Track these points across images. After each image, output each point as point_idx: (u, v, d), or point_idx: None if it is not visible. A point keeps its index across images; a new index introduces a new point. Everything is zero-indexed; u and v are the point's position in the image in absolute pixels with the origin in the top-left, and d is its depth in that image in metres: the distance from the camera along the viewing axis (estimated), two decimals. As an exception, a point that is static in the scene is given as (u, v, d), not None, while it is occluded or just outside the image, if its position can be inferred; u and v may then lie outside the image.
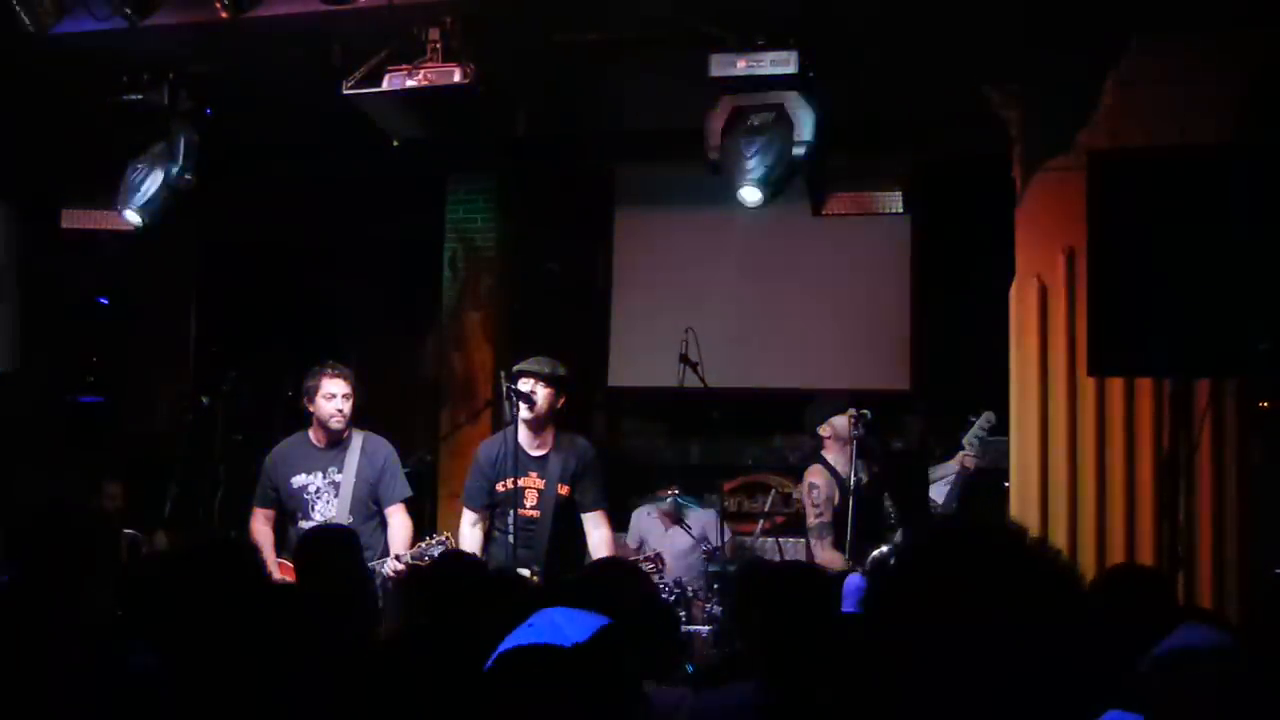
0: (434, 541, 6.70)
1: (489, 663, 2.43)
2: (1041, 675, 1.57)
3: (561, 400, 6.90)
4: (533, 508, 6.80)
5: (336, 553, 5.44)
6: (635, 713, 2.46)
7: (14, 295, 9.31)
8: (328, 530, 6.14)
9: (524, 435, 6.82)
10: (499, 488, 6.84)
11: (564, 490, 6.81)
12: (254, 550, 4.22)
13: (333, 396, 6.92)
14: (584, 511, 6.85)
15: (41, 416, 9.75)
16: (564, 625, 2.42)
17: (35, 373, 9.57)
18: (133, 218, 7.56)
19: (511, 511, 6.74)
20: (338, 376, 6.95)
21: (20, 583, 3.93)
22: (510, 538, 6.69)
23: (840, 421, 7.50)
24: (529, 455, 6.83)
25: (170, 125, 7.33)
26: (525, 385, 6.81)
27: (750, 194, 6.69)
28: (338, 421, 6.93)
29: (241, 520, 7.41)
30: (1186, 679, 2.86)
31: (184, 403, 9.14)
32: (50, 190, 8.96)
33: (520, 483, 6.78)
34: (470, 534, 6.88)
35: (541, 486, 6.81)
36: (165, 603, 3.43)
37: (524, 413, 6.77)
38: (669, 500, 8.29)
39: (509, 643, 2.41)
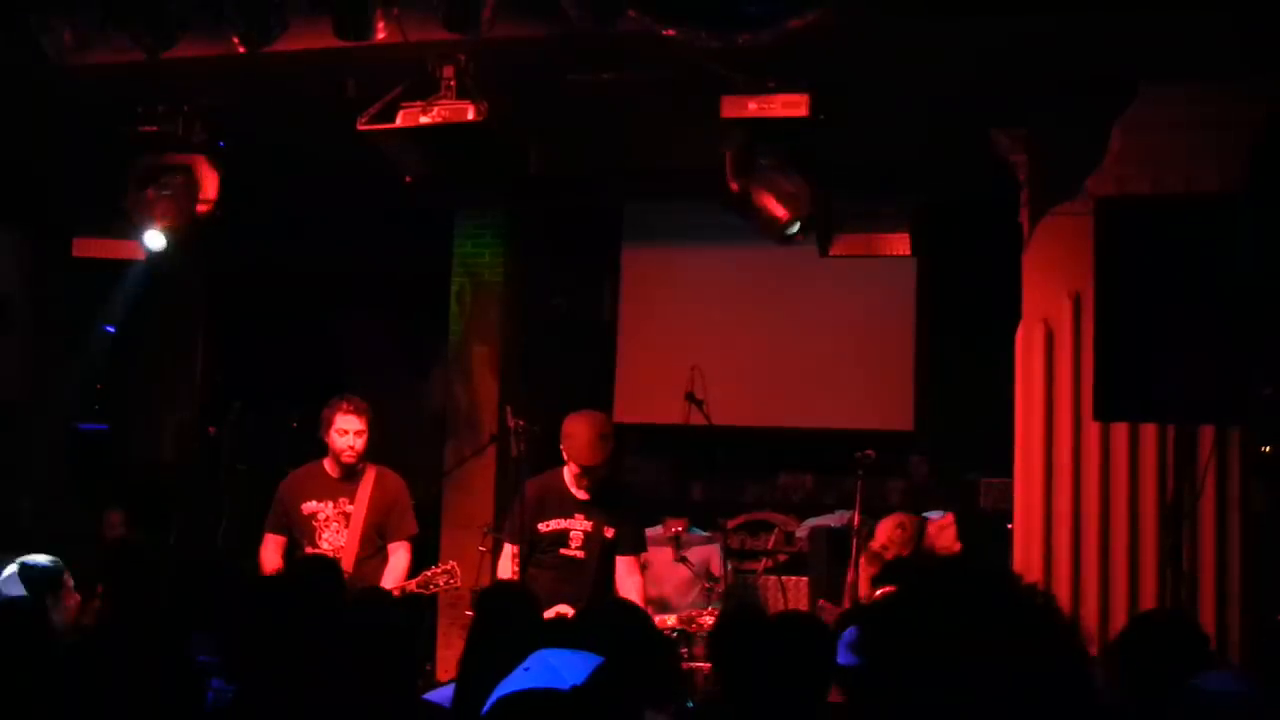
0: (439, 570, 6.84)
1: (486, 708, 2.43)
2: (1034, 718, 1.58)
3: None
4: (578, 548, 6.77)
5: (327, 584, 5.52)
6: None
7: (24, 323, 9.35)
8: (317, 562, 6.21)
9: (569, 478, 6.83)
10: (541, 528, 6.80)
11: (609, 533, 6.79)
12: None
13: (345, 433, 6.99)
14: (622, 555, 6.84)
15: (47, 444, 9.76)
16: (560, 668, 2.42)
17: (42, 400, 9.60)
18: (155, 244, 7.58)
19: (555, 548, 6.77)
20: (352, 413, 7.01)
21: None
22: (554, 573, 6.71)
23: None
24: (574, 498, 6.80)
25: (192, 157, 7.39)
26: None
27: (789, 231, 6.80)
28: (349, 456, 7.01)
29: (245, 550, 7.43)
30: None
31: (189, 432, 9.15)
32: (63, 219, 9.00)
33: (565, 524, 6.78)
34: (506, 567, 6.87)
35: (589, 529, 6.77)
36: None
37: (589, 487, 6.78)
38: (673, 536, 8.28)
39: (505, 688, 2.41)
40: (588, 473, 6.70)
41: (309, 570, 5.77)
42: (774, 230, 6.74)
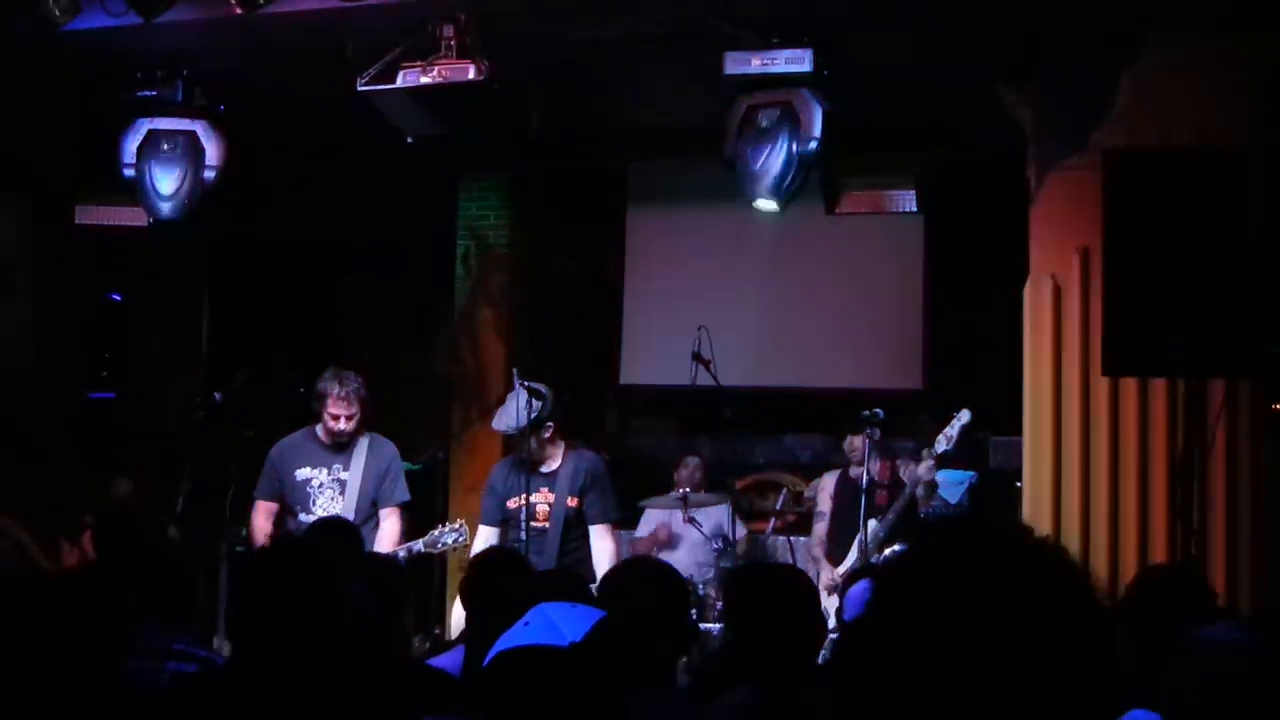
0: (447, 529, 6.89)
1: (486, 662, 2.45)
2: (1051, 674, 1.56)
3: (550, 431, 6.96)
4: (544, 520, 6.92)
5: (345, 545, 5.55)
6: (633, 708, 2.48)
7: (28, 292, 9.33)
8: (335, 523, 6.22)
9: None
10: (510, 504, 6.98)
11: (573, 502, 6.93)
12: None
13: (337, 418, 7.00)
14: (591, 524, 6.96)
15: (53, 413, 9.76)
16: (560, 623, 2.43)
17: (47, 369, 9.59)
18: (167, 214, 7.53)
19: (524, 524, 6.87)
20: (343, 399, 6.98)
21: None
22: (522, 548, 6.77)
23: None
24: (539, 472, 6.96)
25: (195, 123, 7.35)
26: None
27: (765, 204, 6.70)
28: (341, 436, 7.06)
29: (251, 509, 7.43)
30: (1201, 675, 2.86)
31: (196, 399, 9.13)
32: (64, 187, 8.97)
33: (532, 498, 6.89)
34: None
35: (552, 500, 6.94)
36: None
37: (530, 457, 6.92)
38: (680, 495, 8.25)
39: (505, 642, 2.42)
40: (507, 441, 6.83)
41: (327, 532, 5.79)
42: (766, 193, 6.68)
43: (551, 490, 6.93)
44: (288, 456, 7.15)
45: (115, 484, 9.10)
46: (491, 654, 2.41)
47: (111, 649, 3.36)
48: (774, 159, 6.51)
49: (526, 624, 2.43)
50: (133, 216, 8.16)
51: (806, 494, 9.37)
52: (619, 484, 7.34)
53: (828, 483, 8.08)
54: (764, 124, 6.56)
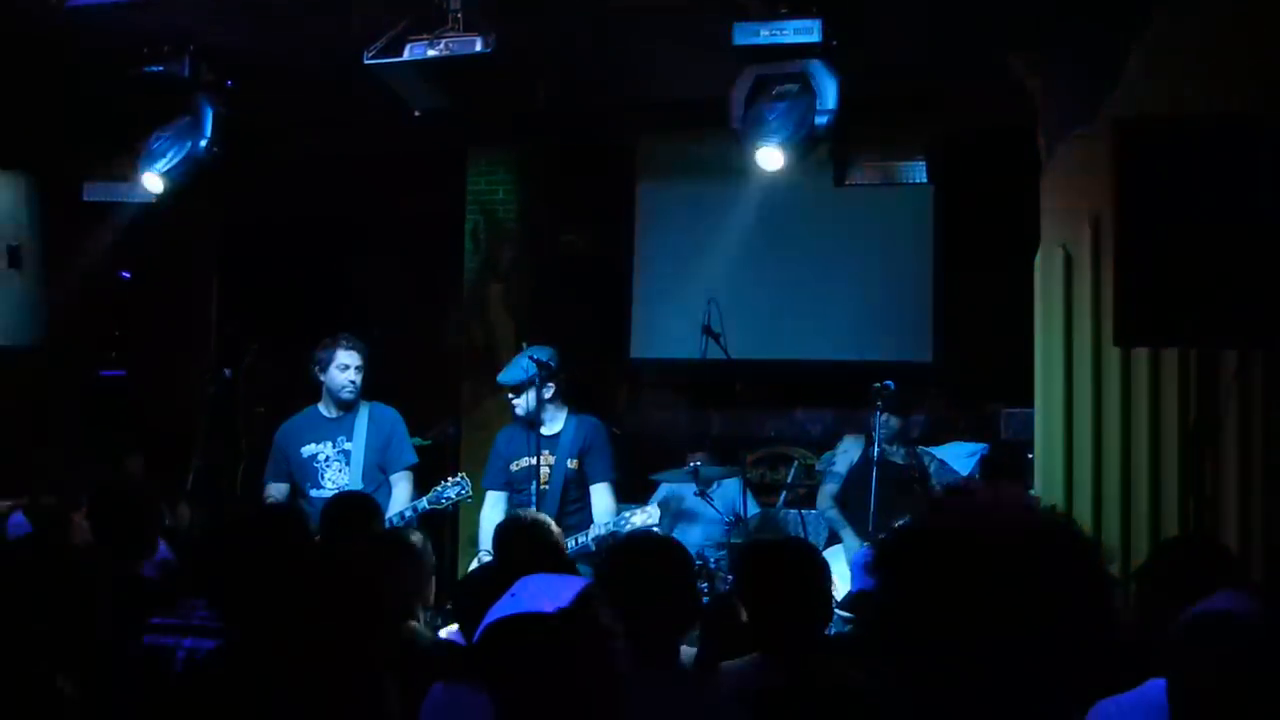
0: (449, 483, 6.94)
1: (476, 635, 2.47)
2: (1058, 643, 1.55)
3: (551, 392, 7.09)
4: (544, 482, 7.03)
5: (361, 518, 5.58)
6: (623, 673, 2.50)
7: (36, 269, 9.32)
8: (352, 496, 6.24)
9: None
10: (513, 467, 7.14)
11: (574, 464, 7.08)
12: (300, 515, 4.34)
13: (346, 368, 7.12)
14: (591, 483, 7.11)
15: (63, 391, 9.76)
16: (545, 591, 2.47)
17: (57, 347, 9.59)
18: (152, 184, 7.53)
19: (533, 486, 6.97)
20: (352, 349, 7.15)
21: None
22: (524, 507, 6.86)
23: None
24: (542, 436, 7.06)
25: (194, 97, 7.33)
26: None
27: (769, 155, 6.60)
28: (349, 392, 7.15)
29: (262, 493, 7.45)
30: (1204, 643, 2.86)
31: (206, 376, 9.14)
32: (71, 163, 8.95)
33: (534, 460, 7.01)
34: (490, 515, 7.07)
35: (553, 462, 7.08)
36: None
37: (518, 411, 7.12)
38: (692, 467, 8.23)
39: (494, 614, 2.45)
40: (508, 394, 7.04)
41: (344, 506, 5.81)
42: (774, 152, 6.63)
43: (553, 453, 7.06)
44: (292, 435, 7.24)
45: (126, 461, 9.12)
46: (481, 626, 2.44)
47: (117, 623, 3.37)
48: (785, 120, 6.46)
49: (513, 595, 2.46)
50: (140, 192, 8.14)
51: (818, 467, 9.35)
52: (630, 458, 7.39)
53: (852, 449, 8.03)
54: (778, 92, 6.51)
